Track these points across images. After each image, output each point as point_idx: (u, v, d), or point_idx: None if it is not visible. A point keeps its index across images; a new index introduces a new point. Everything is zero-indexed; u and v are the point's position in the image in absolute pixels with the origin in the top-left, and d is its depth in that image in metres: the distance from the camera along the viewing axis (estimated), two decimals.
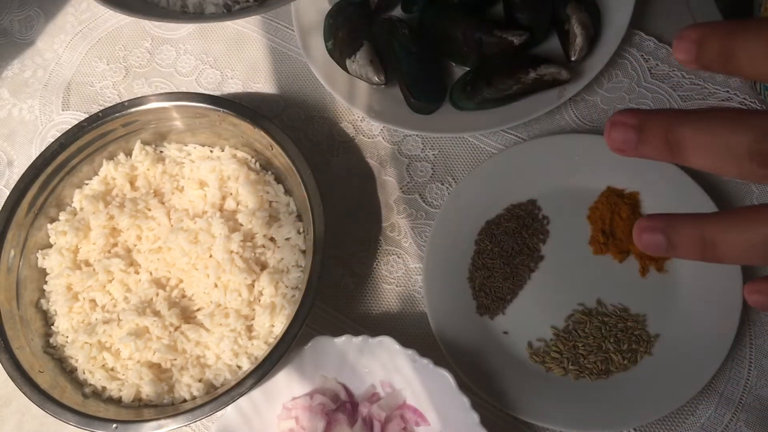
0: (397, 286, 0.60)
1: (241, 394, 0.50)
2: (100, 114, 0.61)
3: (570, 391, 0.54)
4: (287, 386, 0.53)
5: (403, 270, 0.61)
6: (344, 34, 0.63)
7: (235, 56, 0.66)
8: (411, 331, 0.58)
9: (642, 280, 0.56)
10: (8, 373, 0.53)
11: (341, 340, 0.53)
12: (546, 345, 0.56)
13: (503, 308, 0.57)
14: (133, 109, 0.61)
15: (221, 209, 0.60)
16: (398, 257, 0.61)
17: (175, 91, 0.65)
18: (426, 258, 0.58)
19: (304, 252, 0.58)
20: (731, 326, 0.52)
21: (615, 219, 0.58)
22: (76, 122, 0.61)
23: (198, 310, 0.57)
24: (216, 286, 0.56)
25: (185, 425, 0.50)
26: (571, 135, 0.60)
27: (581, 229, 0.59)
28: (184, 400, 0.54)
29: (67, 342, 0.57)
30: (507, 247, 0.58)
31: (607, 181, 0.59)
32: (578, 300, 0.57)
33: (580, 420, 0.52)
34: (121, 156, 0.63)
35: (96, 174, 0.63)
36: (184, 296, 0.58)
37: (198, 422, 0.54)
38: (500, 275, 0.58)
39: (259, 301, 0.56)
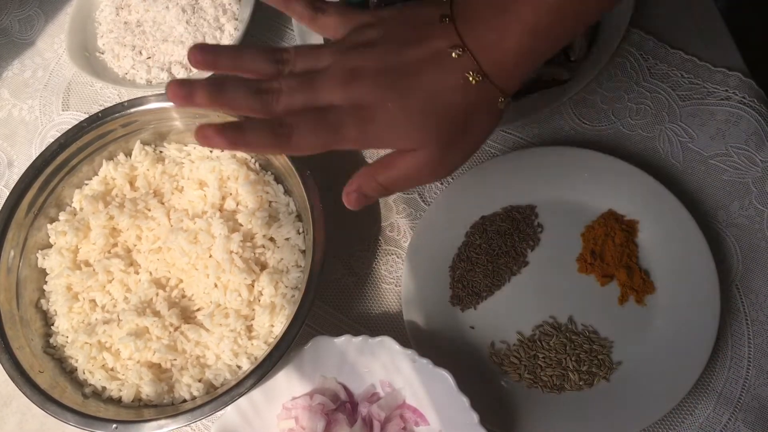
0: (396, 285, 0.60)
1: (241, 394, 0.50)
2: (99, 114, 0.61)
3: (520, 397, 0.54)
4: (287, 386, 0.53)
5: (402, 270, 0.60)
6: None
7: None
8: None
9: (619, 308, 0.56)
10: (8, 374, 0.53)
11: (341, 340, 0.53)
12: (508, 348, 0.56)
13: (476, 303, 0.57)
14: (132, 110, 0.61)
15: (221, 209, 0.60)
16: (398, 257, 0.61)
17: None
18: (414, 236, 0.58)
19: (303, 252, 0.58)
20: (694, 373, 0.51)
21: (608, 242, 0.57)
22: (76, 122, 0.61)
23: (198, 310, 0.57)
24: (216, 286, 0.56)
25: (185, 425, 0.50)
26: (586, 151, 0.59)
27: (572, 244, 0.58)
28: (184, 400, 0.54)
29: (67, 342, 0.57)
30: (495, 246, 0.58)
31: (610, 204, 0.58)
32: (551, 312, 0.56)
33: (522, 426, 0.52)
34: (121, 156, 0.63)
35: (96, 174, 0.63)
36: (183, 296, 0.58)
37: (198, 422, 0.54)
38: (481, 271, 0.58)
39: (259, 301, 0.56)
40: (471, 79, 0.39)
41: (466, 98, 0.40)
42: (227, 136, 0.38)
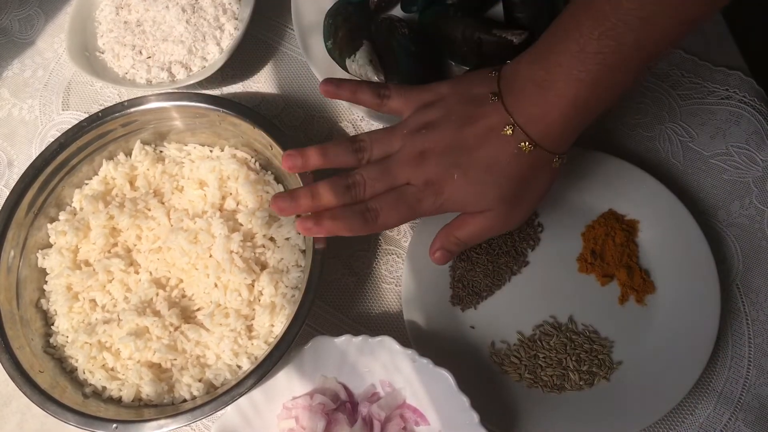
0: (396, 285, 0.60)
1: (241, 394, 0.50)
2: (99, 114, 0.61)
3: (520, 397, 0.54)
4: (287, 386, 0.53)
5: (402, 269, 0.60)
6: (344, 33, 0.63)
7: (235, 56, 0.66)
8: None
9: (619, 307, 0.56)
10: (8, 373, 0.53)
11: (341, 340, 0.53)
12: (508, 348, 0.56)
13: (476, 303, 0.57)
14: (132, 109, 0.61)
15: (221, 209, 0.60)
16: (398, 257, 0.61)
17: (175, 91, 0.65)
18: (414, 236, 0.58)
19: (303, 252, 0.58)
20: (694, 373, 0.52)
21: (608, 242, 0.57)
22: (76, 122, 0.61)
23: (198, 310, 0.57)
24: (216, 285, 0.56)
25: (185, 425, 0.50)
26: (586, 150, 0.59)
27: (573, 244, 0.58)
28: (184, 400, 0.54)
29: (67, 342, 0.57)
30: (495, 246, 0.58)
31: (611, 204, 0.59)
32: (551, 312, 0.57)
33: (522, 426, 0.52)
34: (121, 156, 0.63)
35: (96, 174, 0.63)
36: (184, 296, 0.58)
37: (198, 422, 0.54)
38: (481, 271, 0.58)
39: (259, 300, 0.56)
40: (524, 148, 0.46)
41: (521, 165, 0.46)
42: (327, 226, 0.47)
